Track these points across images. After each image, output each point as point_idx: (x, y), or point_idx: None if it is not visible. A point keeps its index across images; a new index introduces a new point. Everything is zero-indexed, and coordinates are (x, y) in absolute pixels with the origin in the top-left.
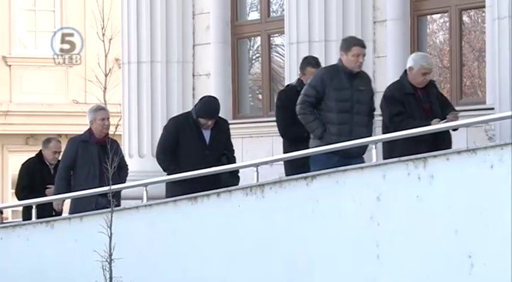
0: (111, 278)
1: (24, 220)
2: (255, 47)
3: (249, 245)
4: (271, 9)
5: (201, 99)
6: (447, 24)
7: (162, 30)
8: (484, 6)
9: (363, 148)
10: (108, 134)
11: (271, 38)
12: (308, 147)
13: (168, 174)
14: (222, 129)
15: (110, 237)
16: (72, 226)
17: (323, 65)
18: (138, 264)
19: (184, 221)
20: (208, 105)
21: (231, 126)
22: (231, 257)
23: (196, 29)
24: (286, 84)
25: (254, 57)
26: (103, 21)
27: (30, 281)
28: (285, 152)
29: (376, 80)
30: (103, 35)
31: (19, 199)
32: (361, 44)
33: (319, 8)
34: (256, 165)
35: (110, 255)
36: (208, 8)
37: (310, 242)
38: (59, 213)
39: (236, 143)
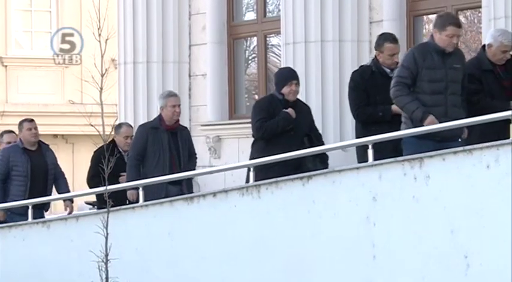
0: (107, 278)
1: (99, 209)
2: (251, 48)
3: (245, 246)
4: (267, 10)
5: (274, 75)
6: None
7: (158, 31)
8: (480, 7)
9: (460, 129)
10: (178, 120)
11: (268, 39)
12: (381, 130)
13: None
14: (303, 111)
15: (106, 238)
16: (68, 226)
17: (320, 65)
18: (134, 265)
19: (181, 221)
20: (283, 70)
21: (228, 126)
22: (227, 258)
23: (193, 30)
24: (360, 65)
25: (250, 58)
26: (99, 22)
27: (26, 281)
28: (357, 136)
29: None
30: (99, 35)
31: (90, 187)
32: (457, 23)
33: (315, 9)
34: (252, 165)
35: (106, 255)
36: (204, 8)
37: (307, 242)
38: (133, 202)
39: (232, 143)
